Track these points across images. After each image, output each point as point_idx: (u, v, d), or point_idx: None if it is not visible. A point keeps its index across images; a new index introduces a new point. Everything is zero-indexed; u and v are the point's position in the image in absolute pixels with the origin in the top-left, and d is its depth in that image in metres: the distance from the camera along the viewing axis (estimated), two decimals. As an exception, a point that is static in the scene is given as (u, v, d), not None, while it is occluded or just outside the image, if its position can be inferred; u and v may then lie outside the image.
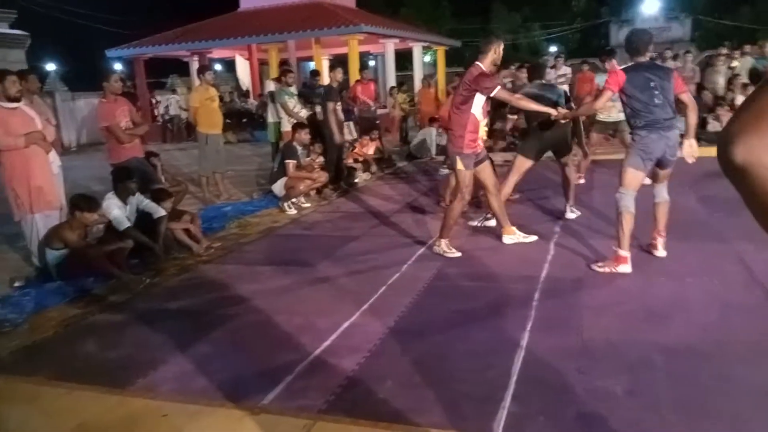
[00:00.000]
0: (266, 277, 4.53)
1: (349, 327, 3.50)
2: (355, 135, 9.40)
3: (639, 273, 4.14)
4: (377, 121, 10.61)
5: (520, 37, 31.65)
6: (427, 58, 21.85)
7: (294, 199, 6.86)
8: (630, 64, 4.23)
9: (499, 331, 3.33)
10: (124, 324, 3.82)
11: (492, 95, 4.52)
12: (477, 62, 4.57)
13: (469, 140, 4.57)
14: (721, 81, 11.28)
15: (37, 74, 7.19)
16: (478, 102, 4.54)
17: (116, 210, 4.82)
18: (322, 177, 7.24)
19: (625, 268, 4.13)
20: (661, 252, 4.40)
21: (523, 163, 5.43)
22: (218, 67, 21.11)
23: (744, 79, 10.96)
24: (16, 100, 4.71)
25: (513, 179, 5.44)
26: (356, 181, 8.33)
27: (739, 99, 10.35)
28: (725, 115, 10.09)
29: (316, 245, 5.42)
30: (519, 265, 4.47)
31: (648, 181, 4.40)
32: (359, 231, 5.79)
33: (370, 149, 9.29)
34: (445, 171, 8.83)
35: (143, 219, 5.07)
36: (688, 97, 4.23)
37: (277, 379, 2.89)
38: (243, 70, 18.93)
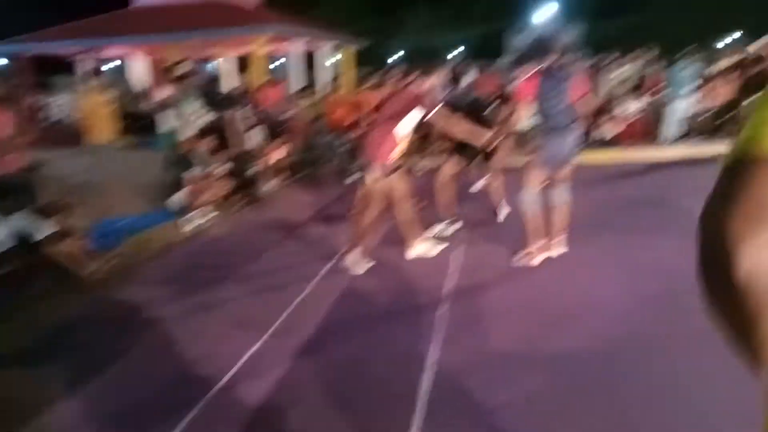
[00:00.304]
0: (165, 301, 4.28)
1: (258, 350, 3.39)
2: (263, 141, 9.13)
3: (545, 275, 4.31)
4: (286, 125, 10.38)
5: (424, 39, 32.33)
6: (337, 58, 21.75)
7: (195, 212, 6.54)
8: (536, 68, 4.45)
9: (410, 347, 3.33)
10: (10, 359, 3.46)
11: (429, 116, 4.54)
12: (420, 80, 4.70)
13: (386, 150, 4.58)
14: (606, 87, 12.00)
15: None
16: (411, 119, 4.56)
17: (-9, 233, 4.37)
18: (225, 187, 6.96)
19: (538, 260, 4.50)
20: (562, 249, 4.67)
21: (451, 167, 5.58)
22: (112, 65, 19.86)
23: (628, 86, 11.75)
24: None
25: (444, 182, 5.58)
26: (264, 189, 8.10)
27: (624, 105, 11.09)
28: (610, 119, 10.75)
29: (218, 262, 5.20)
30: (427, 276, 4.51)
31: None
32: (266, 245, 5.62)
33: (279, 154, 9.07)
34: (355, 177, 8.81)
35: (26, 238, 4.63)
36: (586, 101, 4.56)
37: (180, 415, 2.72)
38: (138, 72, 17.93)
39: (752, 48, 11.27)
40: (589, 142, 10.59)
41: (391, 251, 5.17)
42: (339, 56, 21.69)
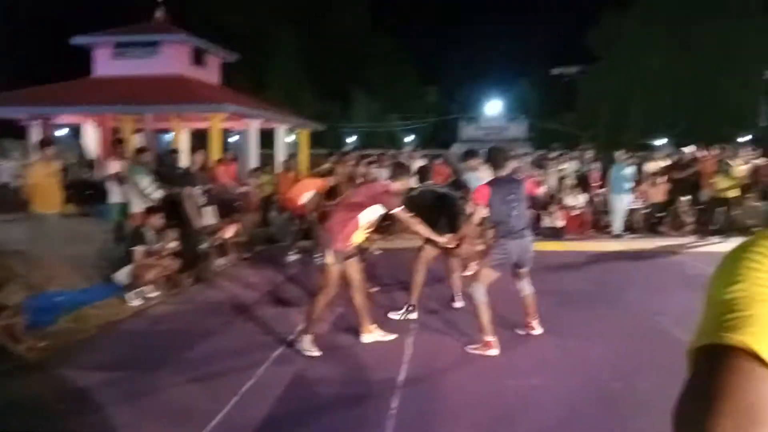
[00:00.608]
0: (103, 385, 4.04)
1: (197, 447, 3.21)
2: (216, 219, 9.06)
3: (489, 372, 4.33)
4: (238, 203, 10.36)
5: (379, 125, 33.48)
6: (291, 138, 22.15)
7: (140, 289, 6.34)
8: (492, 177, 4.78)
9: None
10: None
11: (392, 212, 4.74)
12: (389, 182, 4.98)
13: (344, 238, 4.66)
14: (552, 181, 12.69)
15: None
16: (372, 212, 4.72)
17: None
18: (174, 264, 6.80)
19: (494, 351, 4.56)
20: (538, 329, 5.00)
21: (429, 252, 5.66)
22: (63, 132, 19.56)
23: (571, 181, 12.44)
24: None
25: (420, 267, 5.65)
26: (214, 267, 7.95)
27: (568, 198, 11.67)
28: (557, 212, 11.29)
29: (164, 343, 5.00)
30: (377, 365, 4.46)
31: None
32: (213, 326, 5.46)
33: (229, 232, 8.98)
34: (294, 257, 8.74)
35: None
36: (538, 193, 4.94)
37: None
38: (91, 139, 17.71)
39: (687, 150, 12.22)
40: (540, 230, 11.04)
41: (344, 337, 5.12)
42: (293, 137, 22.16)
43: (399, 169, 5.17)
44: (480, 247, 6.83)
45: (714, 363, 0.59)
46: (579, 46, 29.11)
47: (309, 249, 8.77)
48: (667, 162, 12.33)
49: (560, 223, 11.22)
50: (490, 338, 4.59)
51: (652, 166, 12.59)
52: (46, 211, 6.79)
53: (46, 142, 7.44)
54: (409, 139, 33.27)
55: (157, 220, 6.64)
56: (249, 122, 16.20)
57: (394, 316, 5.60)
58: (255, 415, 3.58)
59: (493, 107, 32.29)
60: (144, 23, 17.29)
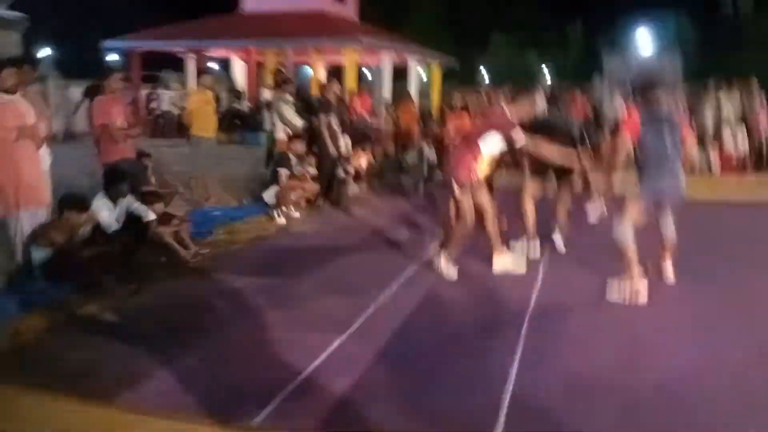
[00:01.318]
0: (254, 290, 4.49)
1: (339, 347, 3.48)
2: (350, 148, 9.38)
3: (617, 308, 4.18)
4: (370, 135, 10.61)
5: (516, 63, 32.06)
6: (424, 76, 21.97)
7: (284, 208, 6.82)
8: (639, 105, 4.42)
9: (488, 361, 3.32)
10: (109, 333, 3.74)
11: (517, 145, 4.62)
12: (505, 107, 4.80)
13: (469, 169, 4.67)
14: (708, 119, 11.46)
15: (31, 62, 7.08)
16: (493, 140, 4.64)
17: (105, 212, 4.75)
18: (314, 188, 7.22)
19: (641, 296, 4.21)
20: (671, 277, 4.60)
21: (532, 187, 5.50)
22: (214, 65, 20.97)
23: (731, 118, 11.13)
24: (12, 92, 4.62)
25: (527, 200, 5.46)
26: (350, 192, 8.32)
27: (727, 138, 10.54)
28: (712, 153, 10.28)
29: (305, 258, 5.39)
30: (508, 291, 4.49)
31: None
32: (349, 245, 5.77)
33: (363, 162, 9.28)
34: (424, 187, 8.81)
35: (132, 222, 5.00)
36: (690, 138, 4.55)
37: (267, 398, 2.84)
38: (239, 72, 18.85)
39: None
40: (696, 174, 10.16)
41: (476, 265, 5.15)
42: (426, 74, 21.93)
43: (521, 95, 4.98)
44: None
45: None
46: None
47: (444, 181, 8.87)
48: None
49: (716, 164, 10.24)
50: (636, 281, 4.23)
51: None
52: (203, 135, 7.44)
53: (202, 71, 8.04)
54: (549, 75, 31.54)
55: (299, 146, 7.02)
56: (383, 57, 16.27)
57: (517, 248, 5.43)
58: (390, 325, 3.79)
59: (642, 39, 29.41)
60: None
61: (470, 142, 4.75)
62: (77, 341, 3.59)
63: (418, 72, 19.20)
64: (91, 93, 6.41)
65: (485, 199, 4.89)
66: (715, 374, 3.19)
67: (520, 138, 4.59)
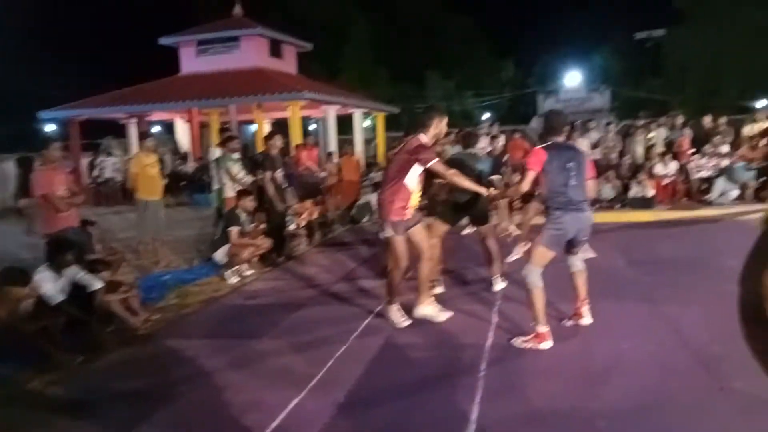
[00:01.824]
0: (209, 352, 4.40)
1: (300, 402, 3.44)
2: (294, 202, 9.41)
3: (578, 337, 4.31)
4: (321, 186, 10.72)
5: (453, 103, 33.08)
6: (367, 123, 22.43)
7: (237, 267, 6.75)
8: (548, 143, 4.30)
9: (450, 403, 3.35)
10: (59, 406, 3.60)
11: (428, 167, 4.52)
12: (419, 134, 4.60)
13: (399, 207, 4.57)
14: (639, 150, 12.16)
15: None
16: (414, 173, 4.57)
17: (49, 284, 4.60)
18: (266, 244, 7.18)
19: (547, 344, 4.08)
20: (587, 319, 4.47)
21: (438, 228, 5.41)
22: (157, 128, 20.86)
23: (660, 148, 11.87)
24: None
25: (432, 242, 5.25)
26: (300, 247, 8.31)
27: (657, 167, 11.18)
28: (645, 180, 10.85)
29: (260, 316, 5.33)
30: (465, 333, 4.54)
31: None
32: (304, 300, 5.74)
33: (314, 214, 9.33)
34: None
35: (78, 291, 4.86)
36: (592, 184, 4.60)
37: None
38: (182, 133, 18.80)
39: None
40: (629, 200, 10.68)
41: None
42: (370, 121, 22.40)
43: (425, 116, 4.70)
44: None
45: None
46: (665, 6, 27.32)
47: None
48: (768, 124, 11.47)
49: (650, 192, 10.78)
50: (543, 329, 4.09)
51: (750, 129, 11.80)
52: (149, 198, 7.34)
53: (145, 135, 8.01)
54: (486, 116, 32.66)
55: (249, 202, 7.01)
56: (326, 109, 16.59)
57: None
58: (350, 376, 3.77)
59: (573, 78, 30.97)
60: (224, 19, 18.04)
61: (395, 179, 4.59)
62: (24, 418, 3.43)
63: (361, 121, 19.60)
64: (24, 164, 6.28)
65: (420, 237, 4.77)
66: (657, 395, 3.32)
67: (435, 162, 4.49)
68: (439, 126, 4.65)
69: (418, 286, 4.88)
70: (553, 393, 3.44)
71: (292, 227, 8.55)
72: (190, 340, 4.71)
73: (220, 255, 6.82)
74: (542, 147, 4.28)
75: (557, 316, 4.70)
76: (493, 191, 4.94)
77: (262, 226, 7.37)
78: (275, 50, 17.70)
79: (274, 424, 3.17)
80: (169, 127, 20.62)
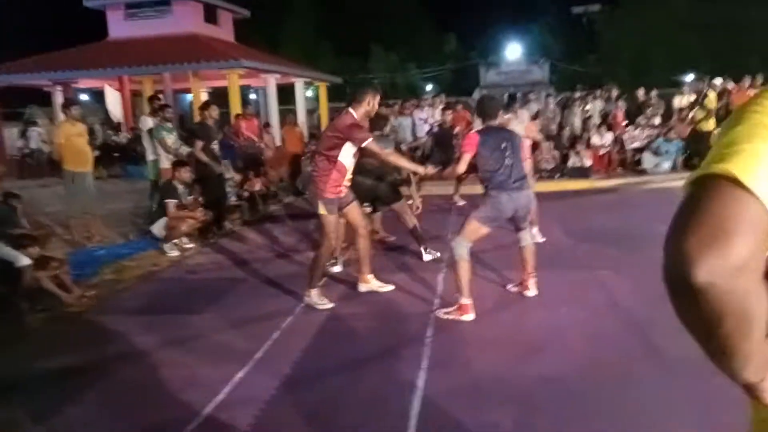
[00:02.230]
0: (147, 328, 4.25)
1: (243, 377, 3.38)
2: (232, 173, 9.17)
3: (518, 305, 4.43)
4: (261, 157, 10.47)
5: (397, 76, 32.94)
6: (309, 93, 22.02)
7: (176, 240, 6.53)
8: (482, 127, 4.40)
9: (396, 373, 3.38)
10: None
11: (363, 146, 4.39)
12: (350, 110, 4.47)
13: (333, 185, 4.45)
14: (577, 122, 12.49)
15: None
16: (348, 150, 4.44)
17: (-30, 261, 4.31)
18: (205, 216, 6.96)
19: (469, 316, 4.12)
20: (532, 291, 4.56)
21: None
22: (85, 97, 19.75)
23: (596, 120, 12.24)
24: None
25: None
26: (240, 219, 8.12)
27: (594, 138, 11.53)
28: (583, 151, 11.18)
29: (201, 290, 5.19)
30: (410, 304, 4.57)
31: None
32: (247, 273, 5.63)
33: (256, 185, 9.12)
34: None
35: (3, 268, 4.58)
36: (528, 165, 4.77)
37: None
38: (113, 102, 17.85)
39: (716, 83, 11.84)
40: (567, 169, 10.99)
41: (377, 277, 5.22)
42: (312, 91, 22.01)
43: (357, 93, 4.54)
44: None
45: (698, 189, 0.71)
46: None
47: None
48: (695, 97, 11.99)
49: (588, 162, 11.13)
50: (466, 301, 4.13)
51: (678, 101, 12.31)
52: (77, 169, 6.94)
53: (70, 102, 7.54)
54: (429, 87, 32.72)
55: (185, 173, 6.76)
56: (267, 78, 16.12)
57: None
58: (294, 349, 3.74)
59: (514, 51, 31.39)
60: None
61: (328, 156, 4.45)
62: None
63: (303, 91, 19.22)
64: None
65: (355, 213, 4.71)
66: (601, 366, 3.46)
67: (370, 141, 4.38)
68: (372, 103, 4.51)
69: (359, 263, 4.85)
70: (495, 361, 3.52)
71: (232, 199, 8.34)
72: (126, 317, 4.54)
73: (158, 228, 6.57)
74: (476, 131, 4.39)
75: (501, 283, 4.83)
76: (430, 170, 4.93)
77: (201, 198, 7.13)
78: (210, 16, 16.97)
79: (217, 399, 3.11)
80: (98, 96, 19.54)
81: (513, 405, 2.96)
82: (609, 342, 3.70)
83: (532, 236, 4.68)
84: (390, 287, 4.89)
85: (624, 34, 25.96)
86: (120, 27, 16.38)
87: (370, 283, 4.87)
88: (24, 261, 4.61)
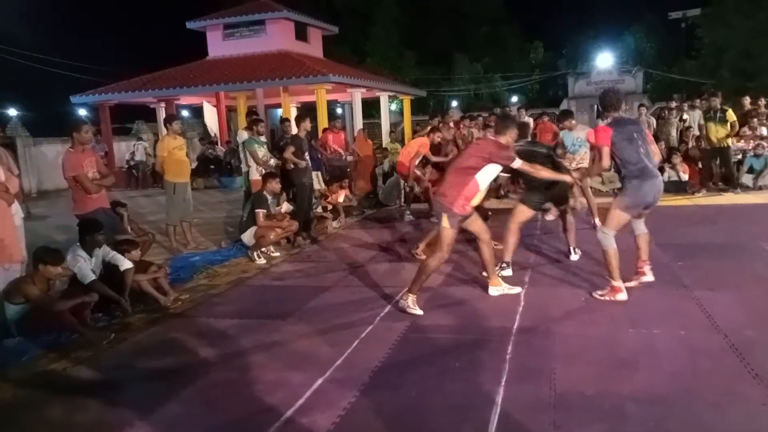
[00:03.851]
0: (236, 331, 4.45)
1: (324, 383, 3.45)
2: (322, 185, 9.45)
3: (606, 321, 4.24)
4: (348, 169, 10.72)
5: (482, 86, 32.65)
6: (393, 107, 22.33)
7: (264, 249, 6.81)
8: (610, 120, 4.61)
9: (475, 385, 3.33)
10: (89, 384, 3.68)
11: (514, 167, 4.62)
12: (492, 137, 4.80)
13: (462, 202, 4.55)
14: (673, 132, 11.84)
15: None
16: (488, 171, 4.59)
17: (81, 263, 4.70)
18: (293, 226, 7.22)
19: (622, 296, 4.55)
20: (649, 276, 4.83)
21: (523, 213, 5.59)
22: (185, 113, 21.08)
23: (695, 131, 11.52)
24: (-20, 151, 4.61)
25: (513, 227, 5.56)
26: (327, 228, 8.35)
27: (693, 150, 10.87)
28: (680, 164, 10.56)
29: (286, 297, 5.36)
30: (491, 317, 4.50)
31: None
32: (330, 281, 5.77)
33: (340, 197, 9.35)
34: (410, 218, 8.97)
35: (109, 271, 4.96)
36: (655, 148, 4.77)
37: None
38: (211, 117, 18.97)
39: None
40: (665, 183, 10.42)
41: (457, 290, 5.21)
42: (396, 105, 22.28)
43: (505, 121, 4.82)
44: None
45: None
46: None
47: (422, 211, 8.97)
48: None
49: (684, 176, 10.50)
50: (618, 283, 4.54)
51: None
52: (177, 180, 7.41)
53: (171, 117, 8.07)
54: (514, 99, 32.16)
55: (275, 184, 7.04)
56: (352, 92, 16.52)
57: (502, 272, 5.43)
58: (374, 358, 3.77)
59: (605, 60, 30.18)
60: (250, 3, 18.05)
61: (464, 173, 4.59)
62: (56, 395, 3.52)
63: (388, 104, 19.49)
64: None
65: (478, 223, 4.90)
66: (687, 380, 3.24)
67: (517, 162, 4.59)
68: (513, 136, 4.73)
69: (486, 268, 5.05)
70: (580, 377, 3.38)
71: (318, 210, 8.59)
72: (217, 320, 4.77)
73: (248, 237, 6.88)
74: (606, 123, 4.60)
75: (589, 289, 4.78)
76: (576, 175, 5.19)
77: (288, 207, 7.40)
78: (301, 33, 17.69)
79: (298, 404, 3.19)
80: (197, 111, 20.83)
81: (599, 424, 2.83)
82: (706, 363, 3.46)
83: (641, 225, 4.84)
84: (518, 289, 5.03)
85: (727, 35, 24.27)
86: (218, 46, 17.40)
87: (501, 286, 5.01)
88: (127, 264, 4.97)
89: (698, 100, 12.78)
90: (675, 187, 10.25)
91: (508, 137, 4.70)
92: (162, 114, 16.91)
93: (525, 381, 3.35)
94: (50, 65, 26.93)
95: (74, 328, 4.30)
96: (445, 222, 4.54)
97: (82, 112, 19.02)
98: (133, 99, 17.10)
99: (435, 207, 4.80)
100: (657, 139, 11.83)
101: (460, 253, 6.28)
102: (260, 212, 6.85)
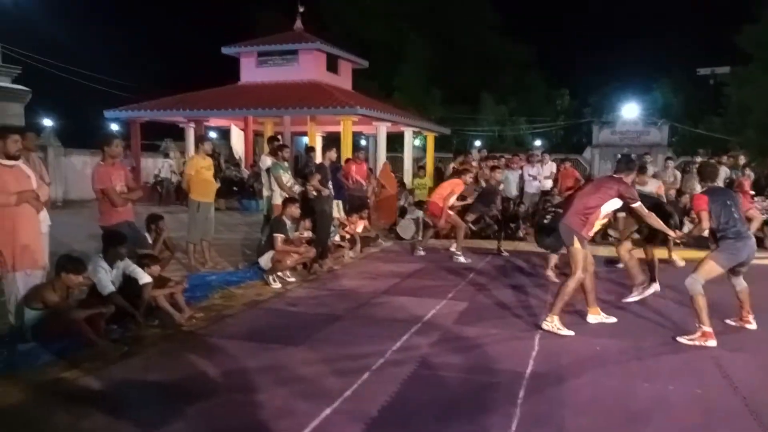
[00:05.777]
0: (247, 353, 4.45)
1: (331, 414, 3.43)
2: (342, 213, 9.52)
3: (619, 373, 4.17)
4: (368, 200, 10.79)
5: (506, 129, 32.86)
6: (417, 142, 22.53)
7: (279, 273, 6.84)
8: (706, 188, 5.20)
9: (484, 429, 3.28)
10: (98, 394, 3.70)
11: (634, 206, 5.19)
12: (619, 175, 5.33)
13: (589, 226, 5.15)
14: (698, 187, 11.69)
15: (34, 131, 7.31)
16: (612, 204, 5.17)
17: (102, 274, 4.77)
18: (310, 252, 7.26)
19: (712, 342, 4.72)
20: (752, 326, 5.23)
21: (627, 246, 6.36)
22: (213, 134, 21.50)
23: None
24: (15, 158, 4.75)
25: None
26: (344, 258, 8.37)
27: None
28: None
29: (299, 323, 5.37)
30: (504, 358, 4.46)
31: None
32: (343, 311, 5.76)
33: (359, 227, 9.39)
34: (422, 253, 8.95)
35: (127, 283, 5.02)
36: (753, 213, 5.35)
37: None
38: (237, 140, 19.31)
39: None
40: (682, 240, 10.29)
41: (469, 329, 5.17)
42: (419, 140, 22.47)
43: (629, 164, 5.47)
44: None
45: None
46: (728, 45, 26.43)
47: (442, 247, 8.97)
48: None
49: (706, 232, 10.37)
50: (708, 329, 4.74)
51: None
52: (202, 200, 7.53)
53: (203, 138, 8.25)
54: (538, 143, 32.25)
55: (295, 209, 7.11)
56: (378, 125, 16.73)
57: (632, 298, 6.15)
58: (383, 392, 3.74)
59: (630, 110, 30.25)
60: (285, 32, 18.53)
61: (592, 202, 5.15)
62: (64, 402, 3.54)
63: (412, 140, 19.68)
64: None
65: (587, 256, 5.26)
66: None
67: (639, 204, 5.18)
68: (632, 176, 5.46)
69: (586, 297, 5.44)
70: (590, 428, 3.32)
71: (336, 238, 8.63)
72: (229, 340, 4.79)
73: (265, 260, 6.93)
74: (702, 192, 5.15)
75: (601, 345, 4.60)
76: (679, 234, 5.81)
77: (307, 234, 7.46)
78: (332, 65, 18.05)
79: (305, 432, 3.17)
80: (225, 134, 21.22)
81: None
82: (721, 422, 3.38)
83: (741, 281, 5.22)
84: (613, 319, 5.43)
85: (756, 95, 24.26)
86: (251, 72, 17.82)
87: (599, 315, 5.43)
88: (146, 279, 5.03)
89: (724, 157, 12.71)
90: (696, 242, 10.10)
91: (630, 177, 5.37)
92: (191, 134, 17.26)
93: (535, 428, 3.30)
94: (86, 78, 27.76)
95: (88, 337, 4.34)
96: (576, 244, 5.09)
97: (114, 126, 19.47)
98: (164, 117, 17.50)
99: (562, 231, 5.24)
100: (681, 192, 11.79)
101: (479, 288, 6.24)
102: (278, 237, 6.90)
